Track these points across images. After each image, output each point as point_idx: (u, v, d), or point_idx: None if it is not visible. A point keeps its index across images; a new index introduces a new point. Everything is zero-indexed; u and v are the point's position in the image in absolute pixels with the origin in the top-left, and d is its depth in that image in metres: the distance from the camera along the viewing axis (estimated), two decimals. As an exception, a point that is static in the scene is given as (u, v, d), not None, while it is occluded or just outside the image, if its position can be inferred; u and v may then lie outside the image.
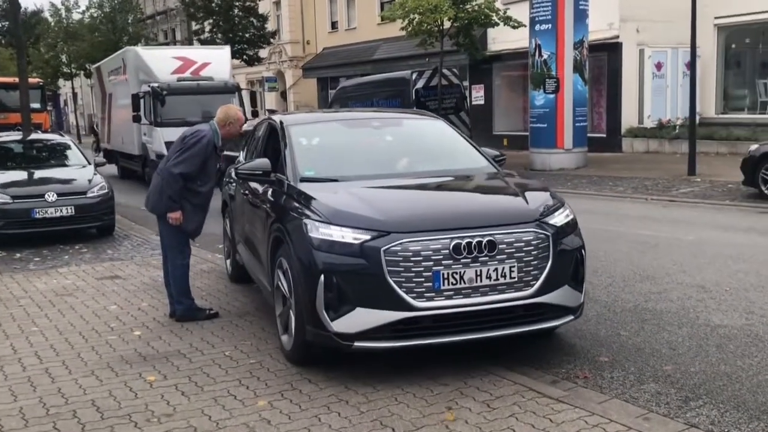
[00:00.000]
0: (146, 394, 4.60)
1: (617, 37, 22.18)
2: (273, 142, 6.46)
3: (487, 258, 4.52)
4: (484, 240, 4.51)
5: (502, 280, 4.55)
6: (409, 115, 7.17)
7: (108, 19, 45.05)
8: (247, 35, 31.48)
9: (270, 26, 34.30)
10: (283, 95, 39.89)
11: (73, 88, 55.12)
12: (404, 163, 5.80)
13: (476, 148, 6.17)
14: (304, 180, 5.41)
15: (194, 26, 35.89)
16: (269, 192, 5.73)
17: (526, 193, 5.08)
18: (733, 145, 19.91)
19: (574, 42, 18.46)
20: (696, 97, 17.02)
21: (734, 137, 20.11)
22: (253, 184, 6.25)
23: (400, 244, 4.43)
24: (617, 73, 22.52)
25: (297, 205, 5.03)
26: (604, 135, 22.96)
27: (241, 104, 18.92)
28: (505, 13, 20.29)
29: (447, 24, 20.03)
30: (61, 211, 10.52)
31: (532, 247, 4.63)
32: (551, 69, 18.53)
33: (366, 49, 32.37)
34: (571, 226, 5.01)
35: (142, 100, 18.65)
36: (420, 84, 20.24)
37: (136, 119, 18.82)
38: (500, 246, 4.55)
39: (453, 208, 4.90)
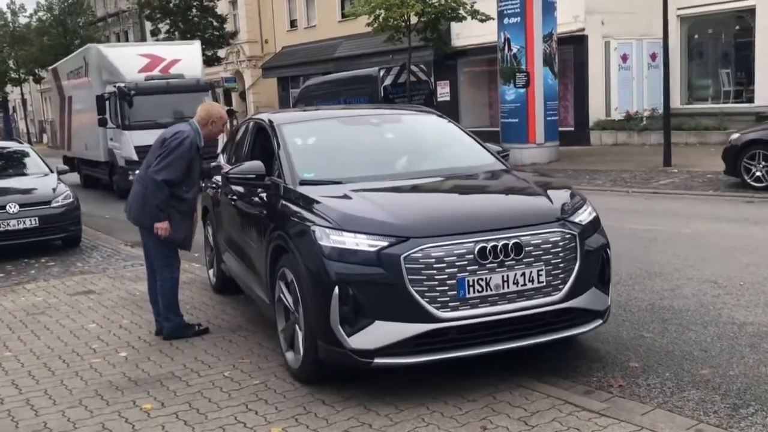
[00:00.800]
0: (145, 426, 4.15)
1: (583, 29, 22.11)
2: (262, 144, 6.03)
3: (513, 262, 4.17)
4: (511, 242, 4.17)
5: (529, 285, 4.21)
6: (407, 111, 6.78)
7: (58, 22, 43.79)
8: (206, 35, 30.75)
9: (228, 26, 33.63)
10: (242, 96, 39.19)
11: (22, 94, 53.52)
12: (409, 162, 5.42)
13: (480, 144, 5.83)
14: (304, 183, 5.00)
15: (150, 27, 35.09)
16: (264, 197, 5.31)
17: (549, 191, 4.74)
18: (702, 134, 19.97)
19: (544, 35, 18.28)
20: (667, 88, 16.93)
21: (703, 127, 20.18)
22: (242, 189, 5.82)
23: (421, 250, 4.06)
24: (583, 66, 22.45)
25: (300, 210, 4.62)
26: (572, 128, 22.87)
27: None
28: (472, 6, 20.02)
29: (414, 19, 19.69)
30: (24, 222, 9.91)
31: (559, 249, 4.30)
32: (521, 63, 18.31)
33: (327, 47, 31.90)
34: (595, 224, 4.69)
35: (107, 102, 17.43)
36: (388, 81, 19.89)
37: (102, 123, 17.49)
38: (527, 248, 4.21)
39: (475, 209, 4.54)
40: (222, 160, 7.33)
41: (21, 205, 9.95)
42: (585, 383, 4.45)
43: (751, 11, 21.72)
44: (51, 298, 7.53)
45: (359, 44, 29.58)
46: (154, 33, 32.70)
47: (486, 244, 4.12)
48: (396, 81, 20.06)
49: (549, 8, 18.43)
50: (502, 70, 18.89)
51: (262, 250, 5.14)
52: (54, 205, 10.25)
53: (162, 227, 5.64)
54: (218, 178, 7.09)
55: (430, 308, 4.04)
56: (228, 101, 25.29)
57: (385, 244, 4.11)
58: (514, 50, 18.37)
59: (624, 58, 22.73)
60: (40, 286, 8.20)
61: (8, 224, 9.79)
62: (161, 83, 17.28)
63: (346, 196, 4.64)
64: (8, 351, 5.73)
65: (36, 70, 47.69)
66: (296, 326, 4.66)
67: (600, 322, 4.59)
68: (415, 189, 4.96)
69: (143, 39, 48.65)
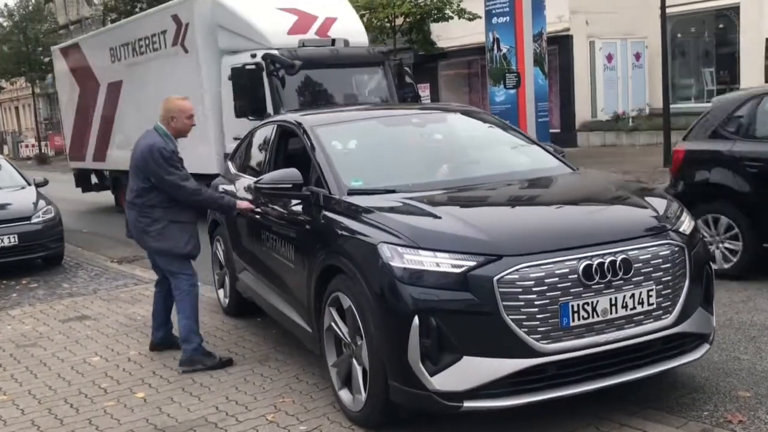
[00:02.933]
0: (189, 491, 3.44)
1: (568, 29, 21.71)
2: (289, 149, 5.35)
3: (621, 281, 3.55)
4: (618, 259, 3.54)
5: (639, 309, 3.60)
6: (449, 109, 6.09)
7: (19, 29, 42.39)
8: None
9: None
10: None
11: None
12: (467, 166, 4.78)
13: (538, 144, 5.22)
14: (352, 192, 4.33)
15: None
16: (301, 209, 4.61)
17: (647, 197, 4.13)
18: (693, 134, 19.65)
19: (534, 34, 17.78)
20: (666, 87, 16.57)
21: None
22: (270, 200, 5.12)
23: (518, 270, 3.41)
24: (569, 66, 22.05)
25: (356, 224, 3.94)
26: (559, 130, 22.42)
27: (391, 82, 12.23)
28: (458, 6, 19.47)
29: (399, 20, 19.11)
30: (2, 241, 9.06)
31: (669, 264, 3.69)
32: (511, 63, 17.79)
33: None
34: (696, 234, 4.10)
35: (239, 81, 11.22)
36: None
37: (243, 111, 11.16)
38: (636, 265, 3.59)
39: (573, 220, 3.90)
40: (231, 168, 6.61)
41: (-2, 222, 9.11)
42: (696, 419, 3.84)
43: (735, 9, 21.54)
44: (41, 326, 6.73)
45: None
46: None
47: (591, 262, 3.49)
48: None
49: (538, 7, 17.91)
50: (491, 71, 18.34)
51: (303, 271, 4.46)
52: (34, 221, 9.41)
53: (243, 206, 5.40)
54: (224, 187, 6.39)
55: (530, 340, 3.40)
56: (400, 81, 24.17)
57: (473, 264, 3.46)
58: (504, 50, 17.83)
59: (609, 58, 22.42)
60: (26, 311, 7.39)
61: (-16, 243, 8.94)
62: (326, 52, 11.55)
63: (411, 207, 3.98)
64: (3, 394, 4.95)
65: (-5, 79, 46.20)
66: (353, 361, 3.99)
67: (708, 347, 3.99)
68: (490, 198, 4.32)
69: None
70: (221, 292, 6.74)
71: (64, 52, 18.12)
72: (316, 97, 11.49)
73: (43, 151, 45.09)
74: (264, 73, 11.06)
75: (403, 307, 3.50)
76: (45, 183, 10.68)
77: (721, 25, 22.60)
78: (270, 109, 10.87)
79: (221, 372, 5.05)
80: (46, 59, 43.29)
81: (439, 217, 3.80)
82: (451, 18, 19.22)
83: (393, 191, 4.30)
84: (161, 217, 5.12)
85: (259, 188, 4.86)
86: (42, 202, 9.76)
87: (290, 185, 4.64)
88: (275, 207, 5.04)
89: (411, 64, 24.66)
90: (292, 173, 4.65)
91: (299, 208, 4.66)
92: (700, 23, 23.10)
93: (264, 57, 11.09)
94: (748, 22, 20.85)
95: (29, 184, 10.44)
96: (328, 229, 4.20)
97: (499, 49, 17.90)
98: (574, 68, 21.99)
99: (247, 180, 5.98)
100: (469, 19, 19.06)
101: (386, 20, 18.80)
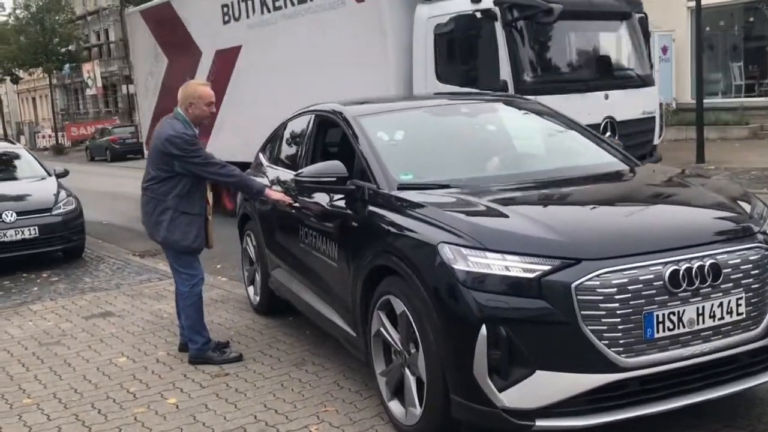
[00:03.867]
0: None
1: (595, 21, 21.24)
2: (329, 140, 5.04)
3: (709, 289, 3.21)
4: (707, 264, 3.20)
5: (727, 319, 3.26)
6: (497, 98, 5.73)
7: (36, 20, 42.30)
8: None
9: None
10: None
11: (-2, 95, 51.93)
12: (526, 160, 4.45)
13: (596, 135, 4.88)
14: (402, 187, 4.00)
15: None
16: (347, 205, 4.28)
17: (730, 196, 3.78)
18: (723, 130, 19.25)
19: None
20: (700, 82, 16.15)
21: (723, 122, 19.45)
22: (310, 194, 4.81)
23: (598, 276, 3.08)
24: (596, 59, 21.57)
25: (410, 221, 3.62)
26: (584, 124, 22.05)
27: (641, 45, 9.53)
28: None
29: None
30: (22, 233, 8.80)
31: (758, 270, 3.34)
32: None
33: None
34: None
35: (447, 36, 8.62)
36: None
37: (453, 78, 8.56)
38: (725, 270, 3.25)
39: (656, 221, 3.55)
40: (263, 160, 6.30)
41: (18, 213, 8.85)
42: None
43: (766, 1, 21.03)
44: (64, 323, 6.46)
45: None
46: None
47: (678, 267, 3.15)
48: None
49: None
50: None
51: (347, 271, 4.15)
52: (55, 212, 9.16)
53: (275, 197, 5.17)
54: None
55: (611, 353, 3.07)
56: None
57: (548, 268, 3.13)
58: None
59: (636, 51, 21.94)
60: (48, 306, 7.12)
61: (5, 235, 8.68)
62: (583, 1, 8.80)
63: (472, 204, 3.65)
64: (27, 397, 4.68)
65: (14, 70, 46.19)
66: (405, 370, 3.68)
67: (792, 361, 3.64)
68: (559, 195, 3.98)
69: (125, 37, 47.34)
70: (251, 289, 6.44)
71: (146, 15, 14.61)
72: (561, 59, 8.82)
73: (59, 141, 45.05)
74: (498, 24, 8.15)
75: (468, 314, 3.18)
76: (65, 174, 10.42)
77: (750, 19, 22.10)
78: (504, 74, 8.09)
79: (258, 378, 4.75)
80: (63, 49, 43.26)
81: (506, 216, 3.47)
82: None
83: (447, 186, 3.98)
84: (173, 206, 4.94)
85: (299, 181, 4.55)
86: (63, 194, 9.50)
87: (334, 178, 4.31)
88: (316, 201, 4.71)
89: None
90: (335, 166, 4.34)
91: (343, 203, 4.34)
92: (729, 16, 22.59)
93: (498, 1, 8.18)
94: (780, 15, 20.35)
95: (49, 175, 10.18)
96: (377, 227, 3.88)
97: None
98: (600, 61, 21.53)
99: (280, 172, 5.68)
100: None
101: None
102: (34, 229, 8.86)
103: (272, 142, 6.26)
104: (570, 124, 4.93)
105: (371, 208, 4.01)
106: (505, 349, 3.11)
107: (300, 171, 4.61)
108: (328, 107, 5.15)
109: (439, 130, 4.75)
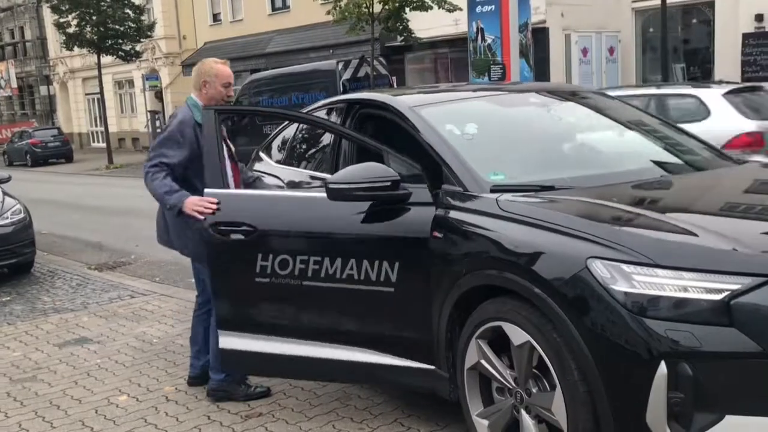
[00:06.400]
0: None
1: (544, 21, 21.09)
2: (377, 136, 4.29)
3: None
4: None
5: None
6: (564, 88, 5.11)
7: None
8: (122, 28, 28.02)
9: (146, 18, 30.99)
10: (158, 95, 36.43)
11: None
12: (630, 156, 3.82)
13: (679, 128, 4.33)
14: (496, 189, 3.33)
15: (52, 20, 32.01)
16: (408, 214, 3.51)
17: None
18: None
19: (519, 24, 17.02)
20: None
21: (674, 122, 19.52)
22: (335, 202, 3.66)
23: (802, 297, 2.49)
24: (545, 60, 21.41)
25: (539, 232, 2.93)
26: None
27: None
28: (439, -6, 18.43)
29: (377, 8, 18.09)
30: (-35, 247, 7.73)
31: None
32: (497, 54, 16.99)
33: (257, 42, 29.81)
34: None
35: None
36: (347, 75, 18.17)
37: None
38: None
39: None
40: (266, 159, 5.47)
41: (-40, 225, 7.77)
42: None
43: (710, 4, 21.30)
44: (33, 352, 5.52)
45: (294, 39, 27.75)
46: (61, 26, 29.58)
47: None
48: (355, 75, 18.36)
49: (524, -5, 17.18)
50: (474, 63, 17.50)
51: (419, 295, 3.37)
52: (2, 223, 8.09)
53: (192, 203, 3.91)
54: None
55: (820, 392, 2.48)
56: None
57: (738, 287, 2.51)
58: (489, 41, 17.01)
59: (584, 52, 21.88)
60: (7, 333, 6.13)
61: (-56, 249, 7.59)
62: None
63: (613, 210, 3.01)
64: (18, 454, 3.80)
65: None
66: (522, 413, 3.02)
67: None
68: (708, 197, 3.37)
69: (42, 35, 45.00)
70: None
71: None
72: None
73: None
74: None
75: (640, 348, 2.54)
76: (8, 179, 9.28)
77: (694, 20, 22.37)
78: None
79: (298, 416, 4.00)
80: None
81: (670, 224, 2.82)
82: (431, 8, 18.26)
83: (551, 188, 3.33)
84: None
85: (337, 189, 3.51)
86: (10, 201, 8.43)
87: (388, 182, 3.46)
88: (358, 213, 3.60)
89: (378, 56, 23.81)
90: (379, 167, 3.54)
91: (407, 211, 3.55)
92: (672, 18, 22.79)
93: None
94: (724, 18, 20.60)
95: (-10, 181, 9.05)
96: (473, 238, 3.20)
97: (483, 39, 17.09)
98: (550, 62, 21.38)
99: (290, 172, 4.92)
100: (449, 11, 18.17)
101: (364, 6, 17.72)
102: (-21, 242, 7.79)
103: (279, 138, 5.47)
104: (649, 116, 4.36)
105: (457, 215, 3.32)
106: (690, 391, 2.49)
107: (332, 177, 3.66)
108: (365, 97, 4.43)
109: (513, 122, 4.09)
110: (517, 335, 2.96)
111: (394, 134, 4.06)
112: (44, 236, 11.78)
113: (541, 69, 21.57)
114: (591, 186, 3.33)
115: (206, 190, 3.90)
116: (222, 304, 3.95)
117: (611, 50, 22.50)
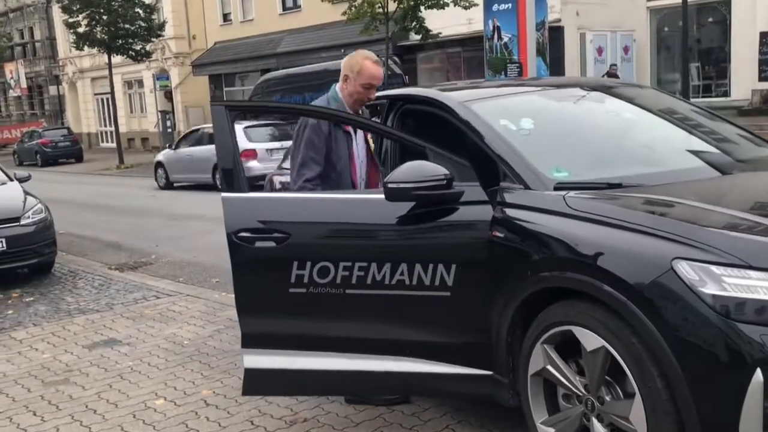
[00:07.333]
0: None
1: (559, 20, 20.91)
2: (423, 134, 4.14)
3: None
4: None
5: None
6: (610, 83, 4.95)
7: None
8: (133, 28, 27.94)
9: (157, 17, 30.91)
10: (168, 96, 36.39)
11: None
12: (691, 153, 3.67)
13: (730, 122, 4.19)
14: (560, 187, 3.19)
15: (62, 19, 31.97)
16: (465, 213, 3.36)
17: None
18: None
19: (536, 23, 16.87)
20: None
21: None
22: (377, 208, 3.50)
23: None
24: (560, 59, 21.24)
25: (615, 231, 2.78)
26: (548, 125, 21.68)
27: None
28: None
29: (392, 6, 17.97)
30: (-14, 246, 7.62)
31: None
32: (513, 53, 16.84)
33: (267, 42, 29.70)
34: None
35: None
36: (361, 74, 18.07)
37: None
38: None
39: None
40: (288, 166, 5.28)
41: (-18, 224, 7.67)
42: None
43: (726, 3, 21.12)
44: (63, 354, 5.40)
45: (305, 39, 27.62)
46: (71, 26, 29.53)
47: None
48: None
49: (541, -6, 17.03)
50: (490, 61, 17.35)
51: (478, 298, 3.22)
52: (24, 222, 7.99)
53: None
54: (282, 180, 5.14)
55: None
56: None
57: (840, 290, 2.37)
58: (505, 39, 16.87)
59: (599, 51, 21.73)
60: (34, 334, 6.02)
61: (-34, 249, 7.49)
62: None
63: (691, 208, 2.87)
64: (59, 461, 3.67)
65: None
66: (593, 421, 2.88)
67: None
68: None
69: (51, 36, 45.00)
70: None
71: None
72: None
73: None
74: None
75: (732, 354, 2.40)
76: (28, 178, 9.20)
77: (710, 19, 22.19)
78: None
79: (345, 421, 3.87)
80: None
81: (761, 223, 2.68)
82: (447, 5, 18.12)
83: (619, 185, 3.19)
84: None
85: (397, 189, 3.29)
86: (31, 200, 8.33)
87: (444, 180, 3.28)
88: (412, 215, 3.40)
89: (391, 55, 23.68)
90: (431, 166, 3.35)
91: (461, 210, 3.40)
92: (689, 17, 22.63)
93: None
94: (740, 15, 20.41)
95: (11, 180, 8.95)
96: (539, 237, 3.06)
97: (500, 38, 16.95)
98: (565, 60, 21.23)
99: None
100: (465, 7, 18.03)
101: (379, 5, 17.60)
102: (1, 241, 7.68)
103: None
104: (701, 111, 4.22)
105: (520, 214, 3.18)
106: (785, 401, 2.35)
107: (390, 177, 3.40)
108: (410, 93, 4.29)
109: (568, 117, 3.94)
110: (590, 340, 2.82)
111: (440, 131, 3.91)
112: (62, 236, 11.64)
113: (556, 68, 21.41)
114: (659, 184, 3.19)
115: (223, 195, 3.61)
116: (249, 320, 3.59)
117: (626, 49, 22.34)
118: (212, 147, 20.03)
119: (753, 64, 20.35)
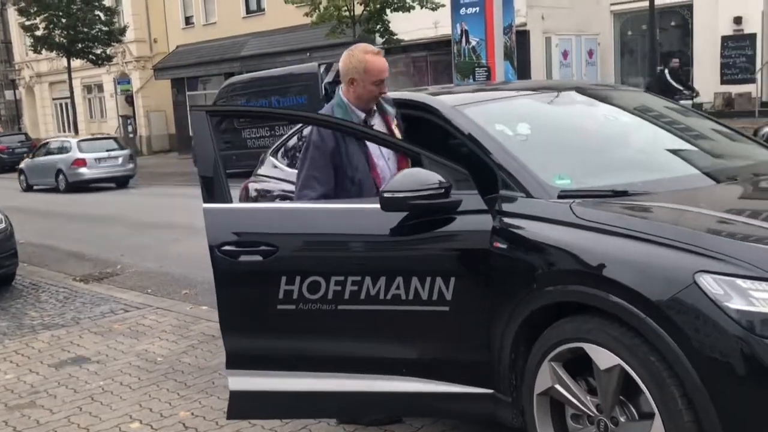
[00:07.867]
0: None
1: (525, 24, 20.97)
2: (408, 139, 3.97)
3: None
4: None
5: None
6: (602, 86, 4.83)
7: None
8: (93, 32, 27.38)
9: (118, 21, 30.34)
10: (129, 100, 35.77)
11: None
12: (692, 158, 3.55)
13: (728, 126, 4.09)
14: (563, 195, 3.03)
15: (18, 21, 31.27)
16: (469, 222, 3.21)
17: None
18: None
19: (504, 26, 16.86)
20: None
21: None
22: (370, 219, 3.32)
23: None
24: (526, 63, 21.30)
25: (630, 242, 2.62)
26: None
27: None
28: (420, -6, 18.20)
29: (358, 9, 17.82)
30: (-57, 259, 7.26)
31: None
32: (481, 57, 16.80)
33: (231, 45, 29.36)
34: None
35: None
36: (329, 78, 17.80)
37: None
38: None
39: None
40: (277, 163, 5.09)
41: (-62, 235, 7.31)
42: None
43: (688, 7, 21.38)
44: (27, 374, 5.10)
45: (270, 42, 27.38)
46: (28, 29, 28.86)
47: None
48: (336, 78, 18.01)
49: (508, -3, 17.04)
50: (458, 65, 17.32)
51: (479, 313, 3.06)
52: (-18, 233, 7.64)
53: None
54: (258, 187, 4.94)
55: None
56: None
57: None
58: (473, 43, 16.86)
59: (564, 54, 21.88)
60: (-5, 352, 5.71)
61: None
62: None
63: (709, 218, 2.73)
64: (28, 494, 3.41)
65: None
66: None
67: None
68: None
69: (7, 39, 43.97)
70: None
71: None
72: None
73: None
74: None
75: (760, 373, 2.27)
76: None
77: (672, 23, 22.44)
78: None
79: (331, 443, 3.67)
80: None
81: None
82: (412, 8, 18.03)
83: (624, 193, 3.04)
84: None
85: (393, 199, 3.10)
86: (-10, 210, 7.98)
87: (441, 189, 3.10)
88: (409, 225, 3.24)
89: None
90: (426, 173, 3.17)
91: (458, 220, 3.23)
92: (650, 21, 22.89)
93: None
94: (702, 20, 20.68)
95: (-32, 188, 8.62)
96: (547, 249, 2.89)
97: (468, 41, 16.91)
98: (530, 64, 21.29)
99: None
100: (432, 9, 17.95)
101: (345, 8, 17.43)
102: (-42, 253, 7.33)
103: (294, 141, 5.11)
104: (699, 115, 4.12)
105: (523, 224, 3.01)
106: (818, 423, 2.22)
107: (386, 186, 3.23)
108: (398, 97, 4.09)
109: (565, 122, 3.80)
110: (603, 358, 2.66)
111: (431, 137, 3.74)
112: (22, 246, 11.23)
113: (522, 71, 21.47)
114: (667, 190, 3.06)
115: (204, 206, 3.37)
116: (234, 339, 3.39)
117: (590, 53, 22.54)
118: (55, 157, 21.68)
119: (715, 67, 20.63)
